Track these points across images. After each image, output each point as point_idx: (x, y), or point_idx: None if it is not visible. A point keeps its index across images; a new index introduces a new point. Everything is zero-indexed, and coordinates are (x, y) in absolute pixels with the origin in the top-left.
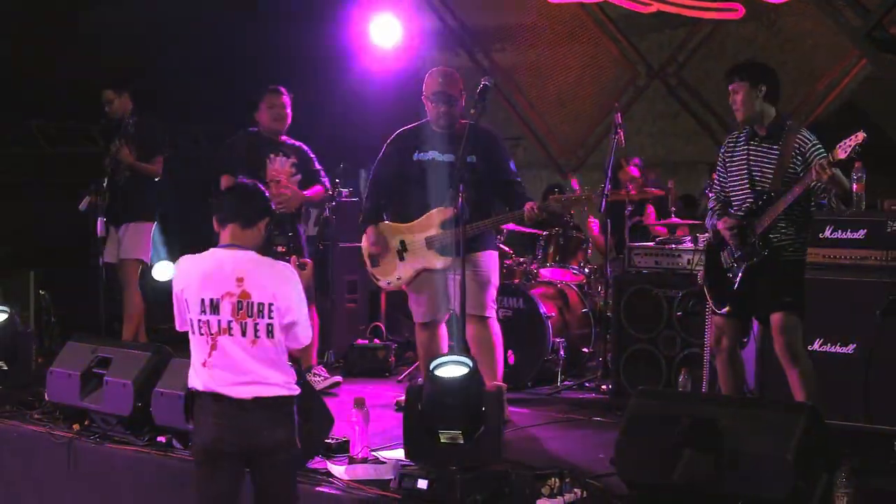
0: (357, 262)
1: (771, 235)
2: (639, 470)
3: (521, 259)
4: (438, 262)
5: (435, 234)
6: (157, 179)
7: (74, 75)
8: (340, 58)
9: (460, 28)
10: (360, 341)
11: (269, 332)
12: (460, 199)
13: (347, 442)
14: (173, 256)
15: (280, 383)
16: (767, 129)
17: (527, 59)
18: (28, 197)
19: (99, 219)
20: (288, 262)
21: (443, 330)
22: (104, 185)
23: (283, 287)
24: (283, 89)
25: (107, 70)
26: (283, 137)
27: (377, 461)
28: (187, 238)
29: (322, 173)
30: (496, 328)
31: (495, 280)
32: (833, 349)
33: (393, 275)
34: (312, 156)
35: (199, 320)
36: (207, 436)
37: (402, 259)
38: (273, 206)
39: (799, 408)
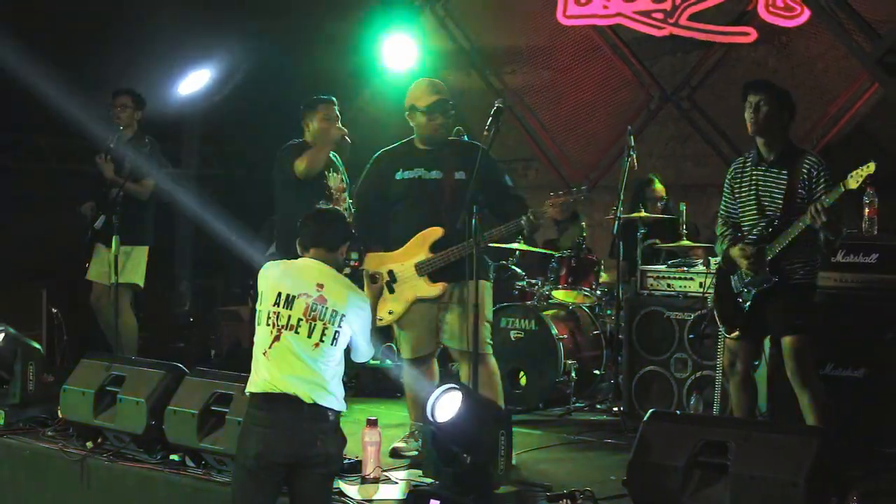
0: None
1: (781, 262)
2: (650, 492)
3: (534, 281)
4: (432, 290)
5: (425, 259)
6: (143, 200)
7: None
8: (354, 80)
9: (473, 49)
10: (372, 362)
11: (334, 341)
12: (473, 220)
13: (360, 462)
14: None
15: (336, 393)
16: (777, 155)
17: (539, 81)
18: (40, 213)
19: (113, 237)
20: (360, 275)
21: (434, 366)
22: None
23: (359, 308)
24: (334, 99)
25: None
26: None
27: (389, 481)
28: None
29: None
30: (494, 365)
31: (488, 312)
32: (843, 373)
33: (384, 310)
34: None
35: (270, 311)
36: (259, 444)
37: (392, 291)
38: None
39: (810, 432)
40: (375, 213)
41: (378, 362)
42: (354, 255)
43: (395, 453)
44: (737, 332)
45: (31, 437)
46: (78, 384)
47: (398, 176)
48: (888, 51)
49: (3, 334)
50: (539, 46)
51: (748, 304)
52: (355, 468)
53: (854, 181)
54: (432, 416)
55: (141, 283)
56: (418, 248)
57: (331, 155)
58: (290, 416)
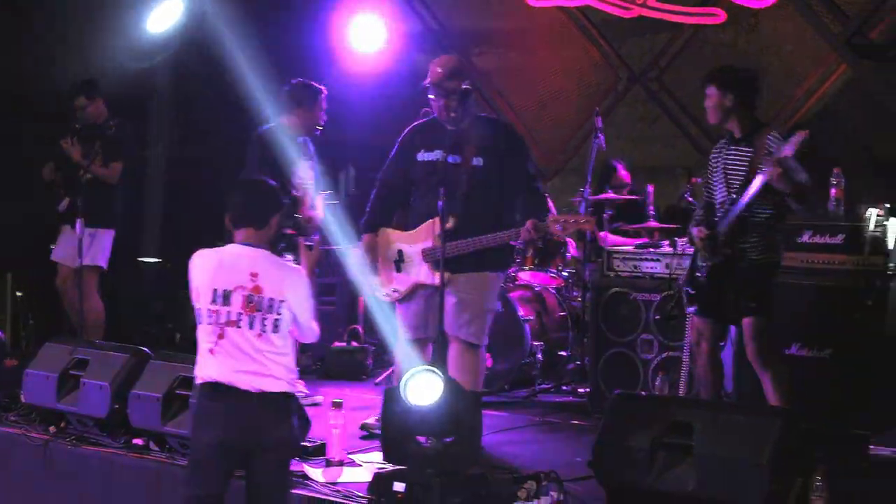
0: (335, 265)
1: (737, 239)
2: (616, 473)
3: None
4: (433, 278)
5: (432, 247)
6: (111, 184)
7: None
8: (321, 60)
9: (441, 31)
10: (337, 344)
11: (276, 328)
12: (440, 204)
13: (324, 445)
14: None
15: (284, 378)
16: (742, 133)
17: (508, 63)
18: (5, 197)
19: (77, 220)
20: (296, 243)
21: (428, 352)
22: (75, 184)
23: (294, 287)
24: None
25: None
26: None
27: (354, 464)
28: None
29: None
30: (484, 359)
31: (491, 305)
32: (810, 353)
33: (390, 286)
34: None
35: (209, 309)
36: (212, 433)
37: (398, 270)
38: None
39: (775, 412)
40: (397, 193)
41: (343, 344)
42: (288, 222)
43: (365, 428)
44: (694, 308)
45: None
46: (41, 368)
47: (419, 157)
48: (856, 32)
49: None
50: (508, 28)
51: (703, 279)
52: (320, 451)
53: (790, 147)
54: (405, 396)
55: (105, 266)
56: (428, 233)
57: (303, 141)
58: (239, 405)
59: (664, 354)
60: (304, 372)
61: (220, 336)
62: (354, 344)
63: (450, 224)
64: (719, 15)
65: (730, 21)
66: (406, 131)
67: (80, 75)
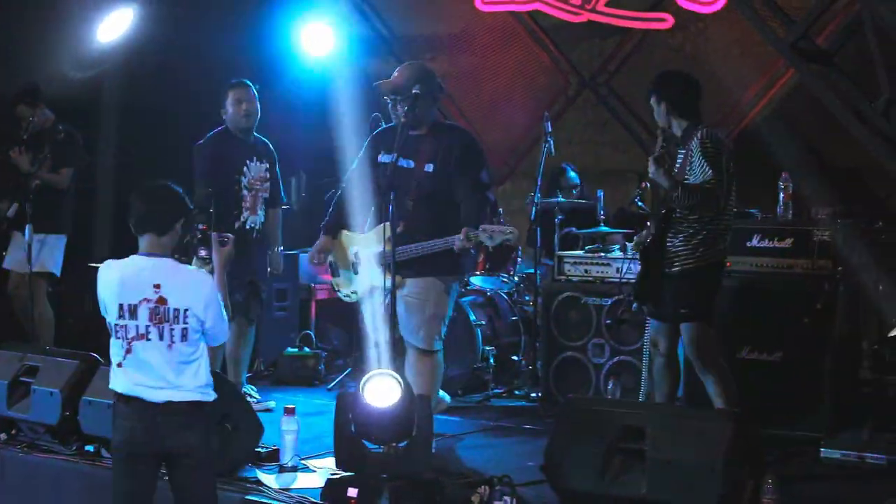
0: (287, 270)
1: (667, 241)
2: (569, 477)
3: None
4: (386, 281)
5: (383, 250)
6: (62, 189)
7: None
8: (270, 66)
9: (391, 35)
10: (290, 350)
11: (184, 337)
12: (390, 209)
13: (277, 451)
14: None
15: (193, 388)
16: (682, 138)
17: (457, 67)
18: None
19: (27, 226)
20: (208, 238)
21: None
22: (26, 191)
23: (198, 292)
24: (249, 82)
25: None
26: (253, 135)
27: (307, 469)
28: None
29: (281, 184)
30: (438, 365)
31: (440, 310)
32: (760, 357)
33: (349, 288)
34: (276, 157)
35: (117, 325)
36: (122, 436)
37: (356, 272)
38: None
39: (726, 416)
40: (360, 195)
41: (296, 350)
42: (201, 217)
43: None
44: (633, 306)
45: None
46: None
47: (380, 159)
48: (801, 37)
49: None
50: (457, 33)
51: (635, 279)
52: (273, 457)
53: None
54: (362, 397)
55: (57, 273)
56: (380, 236)
57: (259, 140)
58: (143, 414)
59: (616, 359)
60: (257, 378)
61: (128, 351)
62: (307, 349)
63: (399, 228)
64: (668, 20)
65: (678, 26)
66: (372, 134)
67: (24, 82)
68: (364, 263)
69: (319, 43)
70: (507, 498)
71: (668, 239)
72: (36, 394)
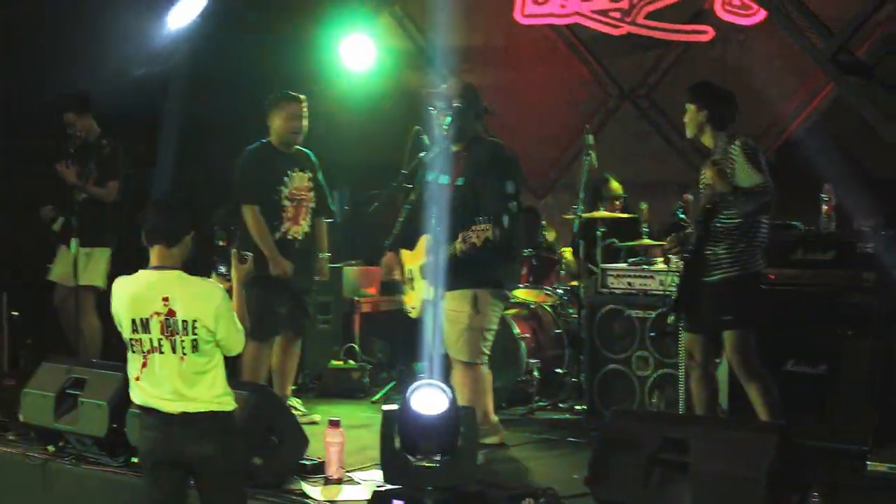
0: (330, 284)
1: (705, 252)
2: (612, 490)
3: None
4: (428, 294)
5: (425, 263)
6: (108, 202)
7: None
8: (313, 80)
9: (431, 49)
10: (334, 362)
11: (195, 348)
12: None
13: (322, 463)
14: None
15: (208, 399)
16: (717, 149)
17: (497, 80)
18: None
19: (72, 240)
20: (229, 253)
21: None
22: (71, 204)
23: (206, 303)
24: (302, 97)
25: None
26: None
27: (352, 482)
28: None
29: (328, 195)
30: (480, 378)
31: (476, 322)
32: (804, 369)
33: (409, 304)
34: (318, 166)
35: (132, 339)
36: (145, 447)
37: (413, 289)
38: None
39: (771, 428)
40: (418, 214)
41: (340, 363)
42: (222, 235)
43: None
44: (671, 318)
45: None
46: (38, 388)
47: (428, 177)
48: (840, 48)
49: None
50: (497, 46)
51: (677, 291)
52: (318, 469)
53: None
54: (409, 405)
55: (102, 285)
56: (421, 252)
57: (301, 150)
58: (161, 425)
59: (660, 371)
60: (302, 390)
61: (144, 364)
62: (351, 362)
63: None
64: (708, 32)
65: (719, 38)
66: (425, 154)
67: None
68: (416, 279)
69: (360, 56)
70: None
71: (709, 248)
72: (83, 406)
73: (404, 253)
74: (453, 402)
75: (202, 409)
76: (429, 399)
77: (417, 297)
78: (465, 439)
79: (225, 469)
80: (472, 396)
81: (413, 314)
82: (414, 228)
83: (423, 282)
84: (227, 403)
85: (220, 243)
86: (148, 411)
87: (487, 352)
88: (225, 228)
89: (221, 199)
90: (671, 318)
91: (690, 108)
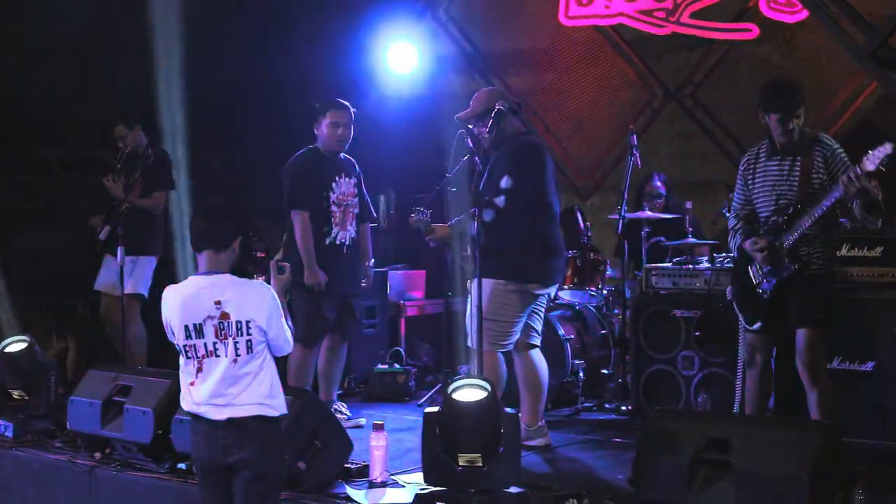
0: (375, 288)
1: (800, 250)
2: (657, 489)
3: None
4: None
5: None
6: (156, 213)
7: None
8: (358, 84)
9: (475, 53)
10: (380, 366)
11: (249, 349)
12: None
13: (367, 466)
14: None
15: (255, 402)
16: (791, 144)
17: (542, 83)
18: (45, 225)
19: (119, 248)
20: (266, 265)
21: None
22: (117, 213)
23: (258, 303)
24: (348, 104)
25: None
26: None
27: (396, 485)
28: None
29: (369, 201)
30: (496, 363)
31: (490, 312)
32: (851, 367)
33: None
34: (361, 173)
35: (186, 345)
36: (195, 453)
37: None
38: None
39: (814, 426)
40: None
41: (386, 366)
42: (259, 245)
43: None
44: (759, 324)
45: (39, 449)
46: (85, 395)
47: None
48: (882, 44)
49: (25, 345)
50: (541, 48)
51: (768, 294)
52: (363, 473)
53: (870, 162)
54: (450, 399)
55: (146, 294)
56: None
57: (343, 157)
58: (209, 431)
59: (706, 371)
60: (348, 395)
61: (199, 370)
62: (397, 366)
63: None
64: (753, 30)
65: (764, 36)
66: None
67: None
68: None
69: (405, 61)
70: None
71: (801, 248)
72: (129, 413)
73: None
74: (493, 396)
75: (249, 414)
76: (469, 395)
77: None
78: (507, 440)
79: (264, 474)
80: (501, 381)
81: None
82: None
83: None
84: (276, 407)
85: (259, 255)
86: (197, 418)
87: (502, 342)
88: (263, 239)
89: (259, 208)
90: (756, 324)
91: (801, 114)
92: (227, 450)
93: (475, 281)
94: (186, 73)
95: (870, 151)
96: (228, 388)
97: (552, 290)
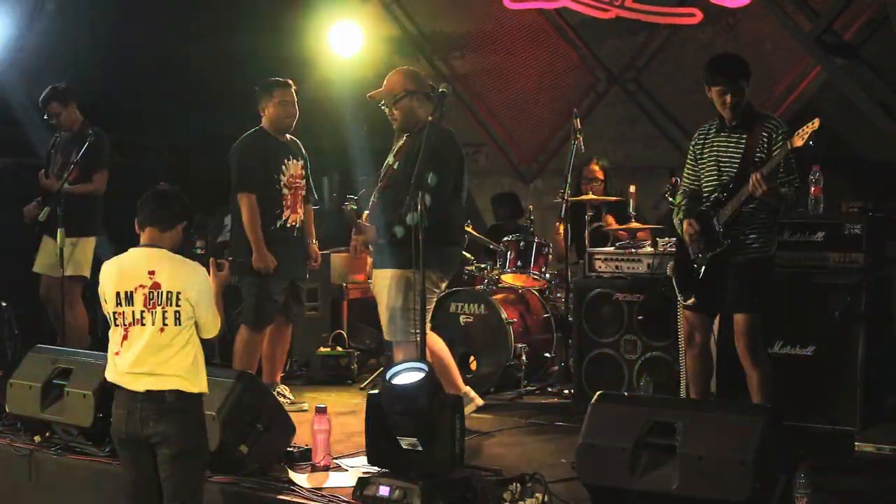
0: (318, 270)
1: (735, 230)
2: (600, 474)
3: (483, 265)
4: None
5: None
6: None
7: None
8: (300, 66)
9: (419, 35)
10: (322, 349)
11: (177, 320)
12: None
13: (310, 450)
14: None
15: (177, 375)
16: (739, 120)
17: (486, 66)
18: None
19: (58, 230)
20: (207, 263)
21: (432, 339)
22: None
23: (191, 279)
24: (290, 81)
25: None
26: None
27: (339, 469)
28: None
29: (312, 184)
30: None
31: (388, 301)
32: (792, 351)
33: None
34: (306, 155)
35: (115, 312)
36: (114, 424)
37: None
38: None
39: (757, 409)
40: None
41: (328, 349)
42: (200, 244)
43: None
44: (692, 300)
45: None
46: (24, 378)
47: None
48: (825, 30)
49: None
50: (486, 31)
51: (703, 268)
52: (305, 457)
53: (800, 138)
54: (389, 379)
55: (87, 275)
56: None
57: (291, 138)
58: (128, 401)
59: (648, 354)
60: (289, 378)
61: (125, 337)
62: (339, 349)
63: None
64: (697, 15)
65: (707, 21)
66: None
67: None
68: None
69: (348, 42)
70: (538, 495)
71: (736, 229)
72: (69, 396)
73: None
74: (430, 375)
75: (168, 387)
76: (407, 377)
77: None
78: (449, 423)
79: (184, 450)
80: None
81: None
82: None
83: None
84: (196, 384)
85: (199, 251)
86: (119, 390)
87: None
88: (203, 237)
89: (198, 193)
90: (690, 300)
91: (741, 86)
92: (145, 423)
93: (403, 269)
94: (119, 52)
95: (800, 128)
96: (150, 357)
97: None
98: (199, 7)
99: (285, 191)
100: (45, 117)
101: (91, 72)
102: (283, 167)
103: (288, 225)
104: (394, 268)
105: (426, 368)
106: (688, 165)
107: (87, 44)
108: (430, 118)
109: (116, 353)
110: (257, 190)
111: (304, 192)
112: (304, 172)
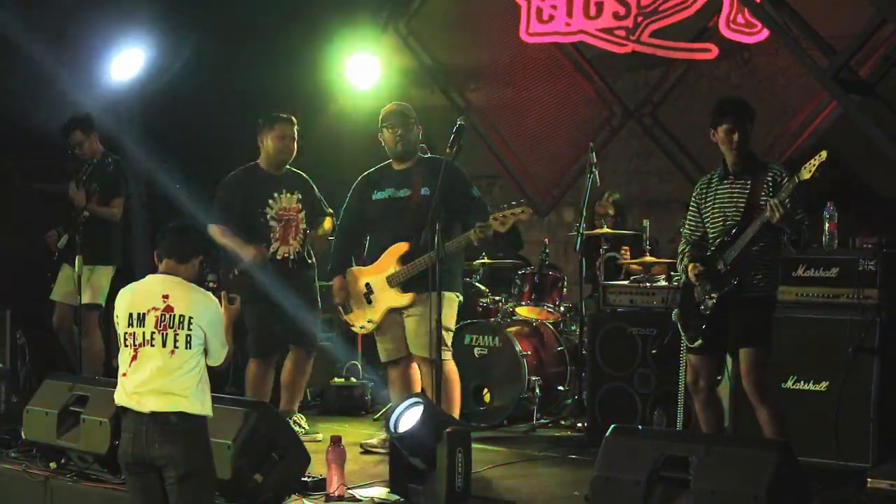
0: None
1: (741, 270)
2: None
3: (497, 297)
4: (402, 300)
5: (394, 272)
6: (115, 222)
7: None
8: (318, 98)
9: (436, 67)
10: (336, 380)
11: (188, 344)
12: (424, 234)
13: (324, 480)
14: None
15: (182, 397)
16: (742, 166)
17: (502, 98)
18: (3, 234)
19: (76, 258)
20: (218, 296)
21: (411, 369)
22: (74, 222)
23: (204, 307)
24: (292, 117)
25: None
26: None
27: (353, 499)
28: None
29: (324, 201)
30: (450, 370)
31: (450, 323)
32: (806, 386)
33: (364, 319)
34: (311, 183)
35: (126, 333)
36: (122, 447)
37: (369, 302)
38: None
39: (771, 445)
40: (356, 234)
41: (343, 380)
42: (211, 277)
43: (364, 449)
44: (699, 342)
45: None
46: (41, 405)
47: (374, 196)
48: (843, 66)
49: None
50: (502, 64)
51: (709, 312)
52: (319, 486)
53: (807, 171)
54: (394, 427)
55: (102, 303)
56: (389, 262)
57: (292, 171)
58: (134, 423)
59: (661, 389)
60: (304, 407)
61: (134, 358)
62: (353, 380)
63: (405, 248)
64: (712, 50)
65: (723, 56)
66: (359, 178)
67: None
68: (378, 290)
69: (366, 74)
70: None
71: (743, 268)
72: (85, 423)
73: (359, 270)
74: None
75: (173, 409)
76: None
77: (375, 310)
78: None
79: (190, 473)
80: (449, 391)
81: (370, 327)
82: (350, 247)
83: (389, 291)
84: (200, 406)
85: (211, 285)
86: (126, 411)
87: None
88: (215, 270)
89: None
90: (699, 343)
91: (743, 126)
92: (150, 445)
93: (431, 294)
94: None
95: (807, 161)
96: (159, 378)
97: None
98: (215, 41)
99: (273, 223)
100: (68, 146)
101: None
102: (272, 200)
103: (278, 257)
104: (454, 291)
105: (422, 400)
106: (690, 214)
107: None
108: (448, 150)
109: (124, 374)
110: (228, 223)
111: (303, 226)
112: (300, 206)
